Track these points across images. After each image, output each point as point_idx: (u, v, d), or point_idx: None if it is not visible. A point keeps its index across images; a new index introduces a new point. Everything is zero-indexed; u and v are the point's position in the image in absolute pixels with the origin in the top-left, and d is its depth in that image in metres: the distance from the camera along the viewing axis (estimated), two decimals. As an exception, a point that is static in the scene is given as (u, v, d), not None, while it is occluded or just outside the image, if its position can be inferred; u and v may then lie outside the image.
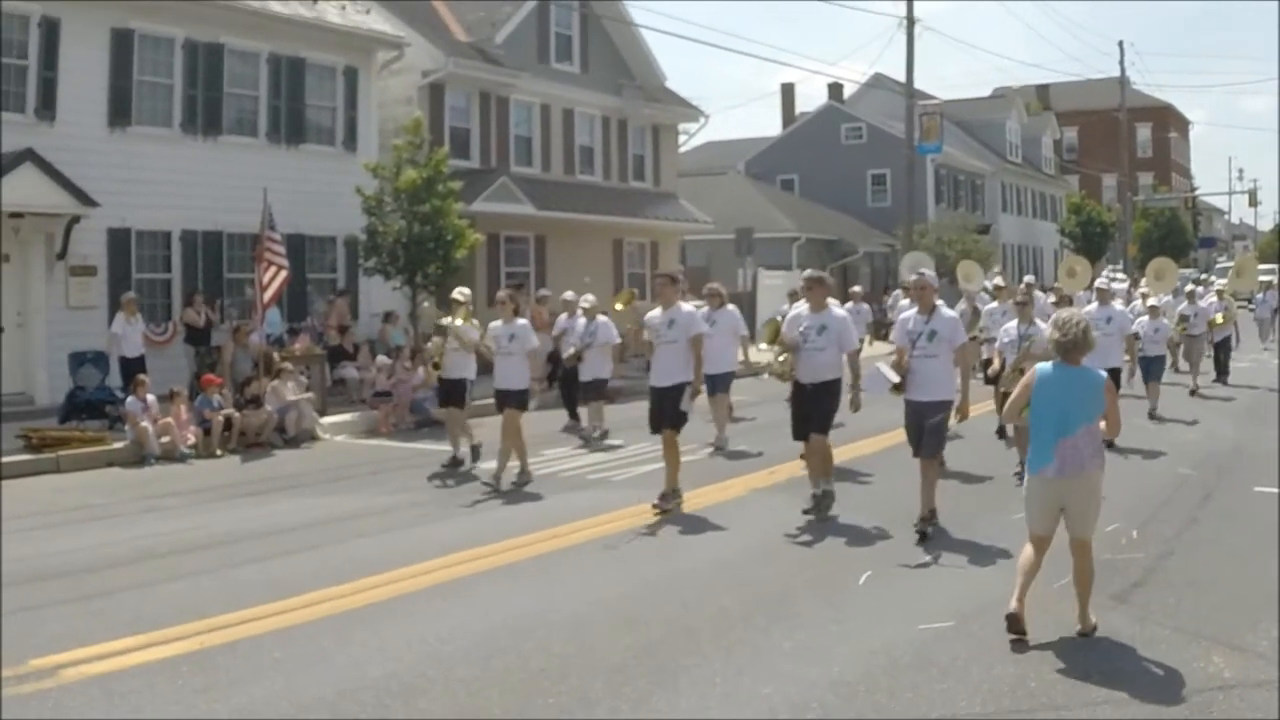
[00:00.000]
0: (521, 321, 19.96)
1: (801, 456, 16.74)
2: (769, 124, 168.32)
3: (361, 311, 34.00)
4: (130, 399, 22.54)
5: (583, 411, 25.06)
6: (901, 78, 58.05)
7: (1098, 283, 24.32)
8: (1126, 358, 24.78)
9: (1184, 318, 31.72)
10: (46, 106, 27.82)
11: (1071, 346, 10.64)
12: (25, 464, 20.66)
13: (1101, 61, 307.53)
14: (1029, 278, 35.01)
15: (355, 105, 35.32)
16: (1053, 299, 29.41)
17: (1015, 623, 10.48)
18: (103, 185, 27.67)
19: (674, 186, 51.20)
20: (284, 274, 26.13)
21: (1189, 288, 35.72)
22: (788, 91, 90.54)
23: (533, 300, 33.03)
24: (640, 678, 9.68)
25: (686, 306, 17.39)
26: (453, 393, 21.20)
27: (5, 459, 20.65)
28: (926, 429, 14.97)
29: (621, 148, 47.92)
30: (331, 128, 34.83)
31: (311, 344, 28.89)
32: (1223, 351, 34.72)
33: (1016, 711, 8.96)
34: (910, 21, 54.61)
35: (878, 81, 77.80)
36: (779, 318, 18.36)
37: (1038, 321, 18.79)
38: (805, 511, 15.80)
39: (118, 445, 22.02)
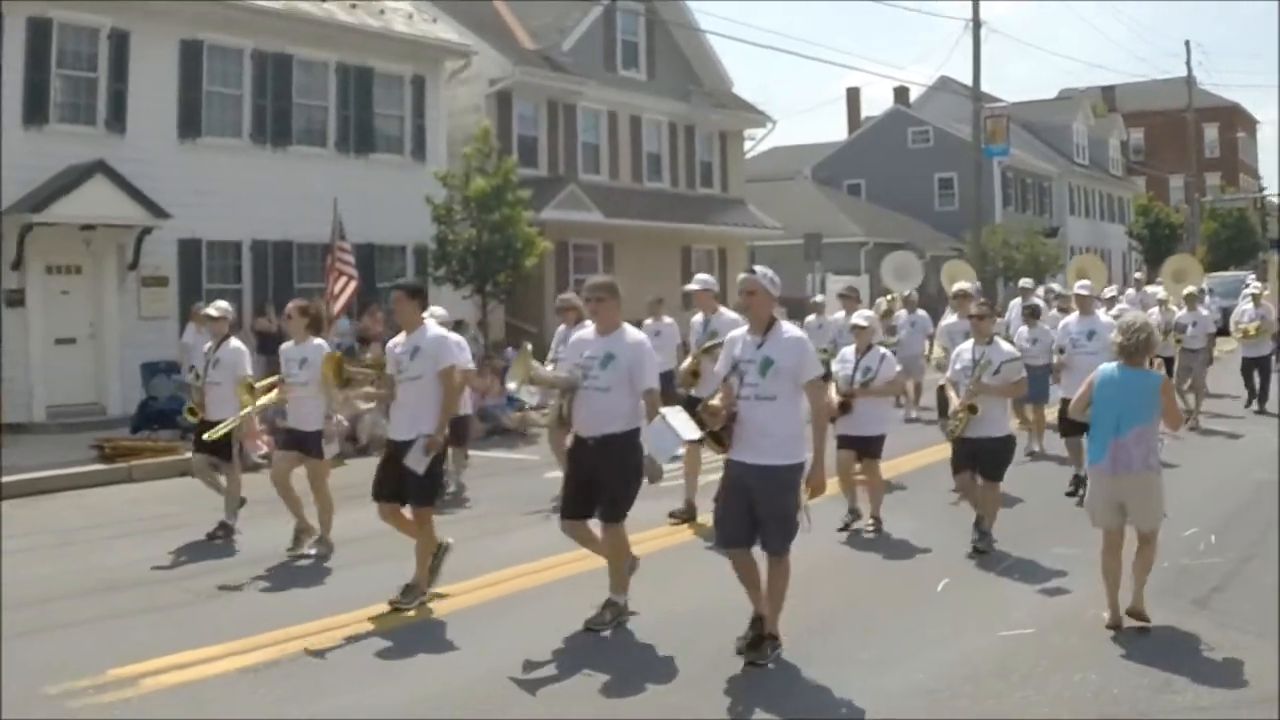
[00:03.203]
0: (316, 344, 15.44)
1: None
2: (835, 129, 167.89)
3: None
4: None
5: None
6: (967, 81, 57.88)
7: (1076, 288, 19.56)
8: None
9: (1178, 327, 26.77)
10: (117, 118, 28.05)
11: (1134, 350, 11.09)
12: (99, 474, 20.78)
13: (1167, 62, 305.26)
14: (1025, 282, 30.30)
15: (423, 114, 35.43)
16: (1055, 309, 26.39)
17: (1119, 629, 10.93)
18: (173, 196, 27.81)
19: (741, 192, 51.11)
20: (354, 284, 26.23)
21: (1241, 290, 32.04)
22: (853, 96, 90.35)
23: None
24: (716, 690, 9.65)
25: (434, 330, 12.84)
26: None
27: (79, 469, 20.81)
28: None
29: (689, 154, 47.89)
30: (400, 137, 34.95)
31: (381, 351, 28.93)
32: (1259, 371, 28.36)
33: (1099, 719, 8.89)
34: (976, 24, 54.36)
35: (944, 85, 77.54)
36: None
37: (999, 342, 15.02)
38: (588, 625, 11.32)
39: (190, 455, 22.13)
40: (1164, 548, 12.30)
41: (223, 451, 16.22)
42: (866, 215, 67.28)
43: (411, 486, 12.27)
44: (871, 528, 15.67)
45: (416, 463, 12.11)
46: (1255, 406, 28.03)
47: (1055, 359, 18.72)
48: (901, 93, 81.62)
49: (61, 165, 26.31)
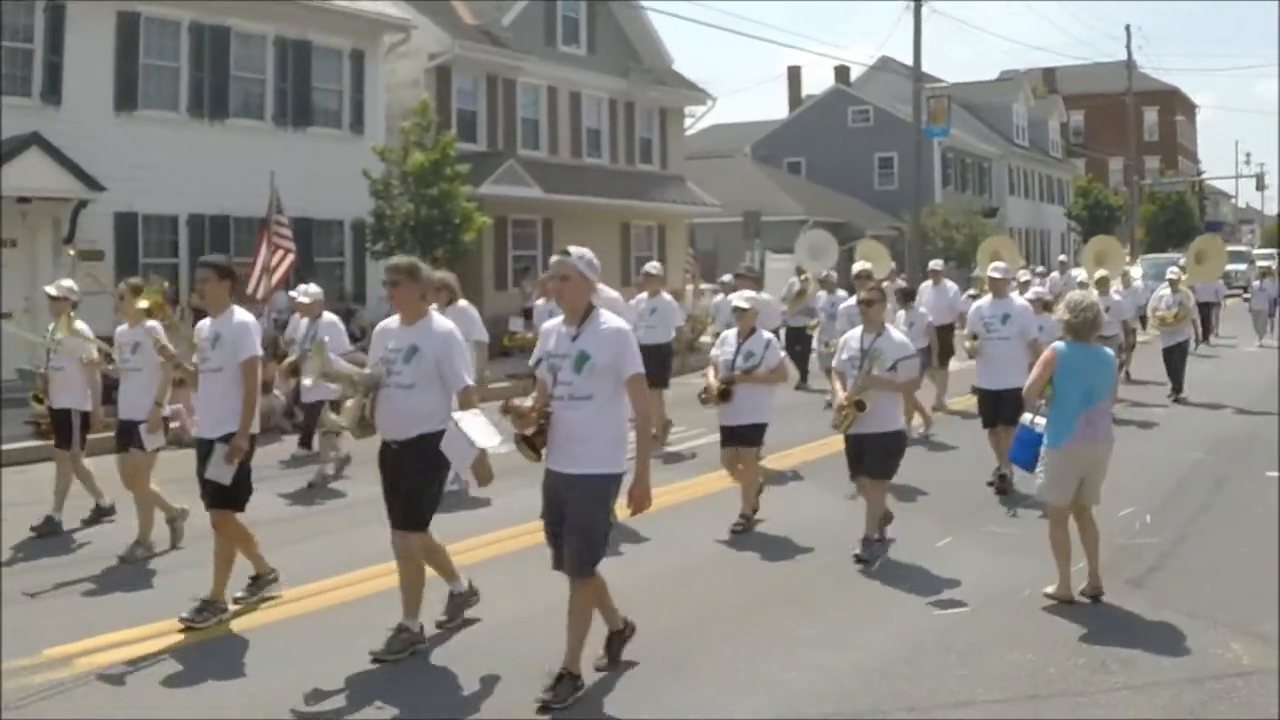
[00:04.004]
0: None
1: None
2: (776, 107, 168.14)
3: (369, 296, 33.92)
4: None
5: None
6: (909, 61, 57.87)
7: (990, 271, 17.97)
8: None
9: None
10: (52, 90, 27.76)
11: (1083, 327, 11.32)
12: (32, 450, 20.59)
13: (1108, 45, 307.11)
14: (935, 263, 27.59)
15: (362, 88, 35.25)
16: (971, 292, 26.72)
17: (1070, 603, 11.17)
18: (109, 169, 27.62)
19: (681, 169, 51.10)
20: (291, 257, 26.08)
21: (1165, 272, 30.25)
22: (794, 74, 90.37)
23: (539, 284, 32.94)
24: (659, 667, 9.68)
25: (239, 316, 11.53)
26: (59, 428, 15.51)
27: (15, 445, 20.61)
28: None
29: (629, 131, 47.82)
30: (338, 111, 34.78)
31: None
32: (1177, 358, 27.06)
33: (1035, 697, 8.95)
34: (918, 4, 54.44)
35: (885, 64, 77.70)
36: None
37: (890, 332, 13.64)
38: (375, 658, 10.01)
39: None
40: (1100, 527, 12.36)
41: (63, 438, 15.32)
42: (806, 194, 67.39)
43: (210, 487, 11.07)
44: (741, 526, 14.50)
45: (219, 473, 10.94)
46: (1170, 397, 26.39)
47: (967, 345, 17.68)
48: (842, 72, 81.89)
49: (-3, 137, 26.00)
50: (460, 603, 10.87)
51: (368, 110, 35.35)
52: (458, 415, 9.68)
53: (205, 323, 11.45)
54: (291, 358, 17.75)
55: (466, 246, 32.05)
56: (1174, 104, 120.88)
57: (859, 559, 12.82)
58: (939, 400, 23.97)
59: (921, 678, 9.33)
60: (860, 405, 12.92)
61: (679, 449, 20.32)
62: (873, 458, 13.11)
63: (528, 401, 9.43)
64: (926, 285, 26.34)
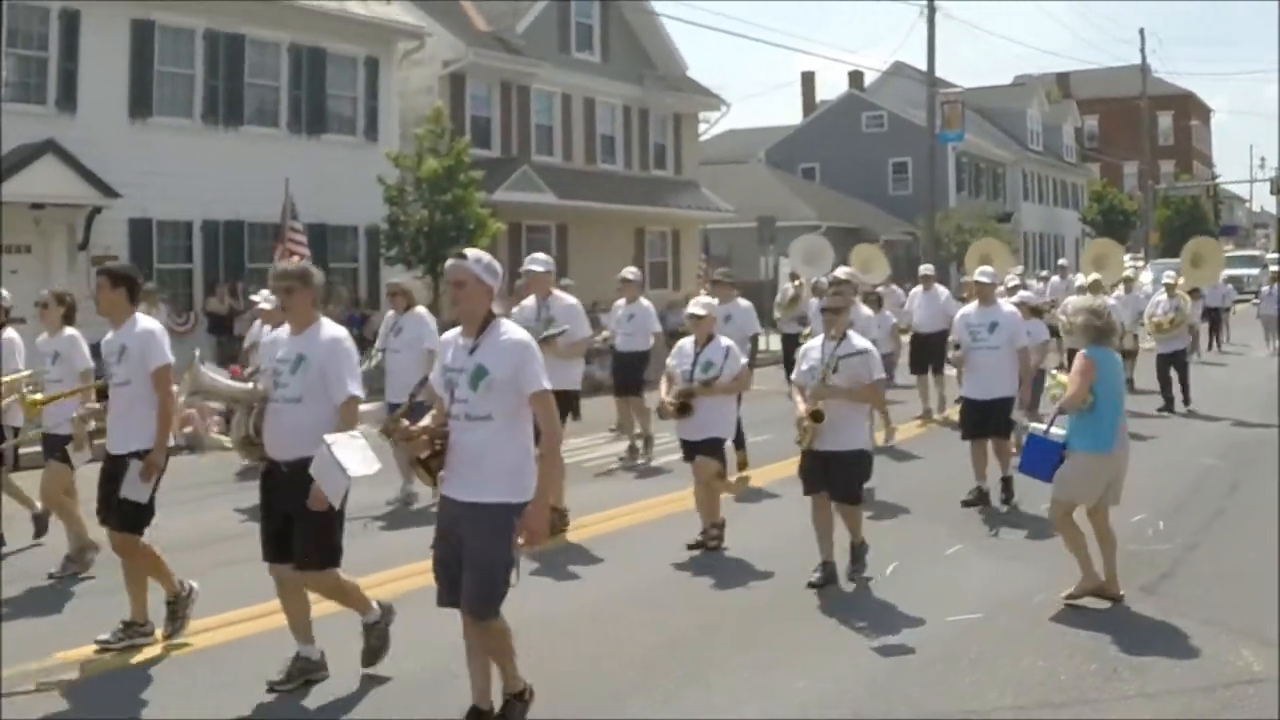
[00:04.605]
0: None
1: None
2: (790, 112, 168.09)
3: (383, 301, 33.95)
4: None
5: None
6: (922, 65, 57.83)
7: (976, 275, 16.84)
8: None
9: None
10: (67, 98, 27.88)
11: (1110, 330, 11.40)
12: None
13: (1122, 49, 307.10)
14: (843, 270, 21.78)
15: (376, 95, 35.33)
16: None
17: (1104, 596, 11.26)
18: (124, 176, 27.71)
19: (695, 175, 51.21)
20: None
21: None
22: (808, 80, 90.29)
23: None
24: (670, 673, 9.67)
25: (143, 323, 10.73)
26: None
27: (29, 450, 20.64)
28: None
29: (643, 137, 47.89)
30: (353, 118, 34.86)
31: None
32: (1175, 367, 25.49)
33: (1047, 704, 8.92)
34: (931, 9, 54.40)
35: (898, 70, 77.56)
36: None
37: (853, 338, 12.47)
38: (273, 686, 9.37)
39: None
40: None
41: None
42: (820, 199, 67.29)
43: (120, 507, 10.22)
44: (703, 540, 13.81)
45: (135, 491, 10.16)
46: (1181, 409, 24.97)
47: (951, 354, 17.04)
48: (856, 77, 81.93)
49: (11, 144, 26.09)
50: (379, 631, 9.73)
51: (382, 117, 35.41)
52: (331, 438, 8.79)
53: (109, 335, 10.62)
54: (251, 367, 17.22)
55: (480, 253, 32.06)
56: (1188, 108, 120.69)
57: (854, 575, 12.34)
58: (938, 408, 23.78)
59: (933, 685, 9.32)
60: (817, 416, 11.97)
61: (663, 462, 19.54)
62: (837, 480, 12.21)
63: (427, 419, 8.47)
64: (917, 291, 25.71)
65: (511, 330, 8.27)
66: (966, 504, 15.77)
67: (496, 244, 34.39)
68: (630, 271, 20.92)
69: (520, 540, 8.06)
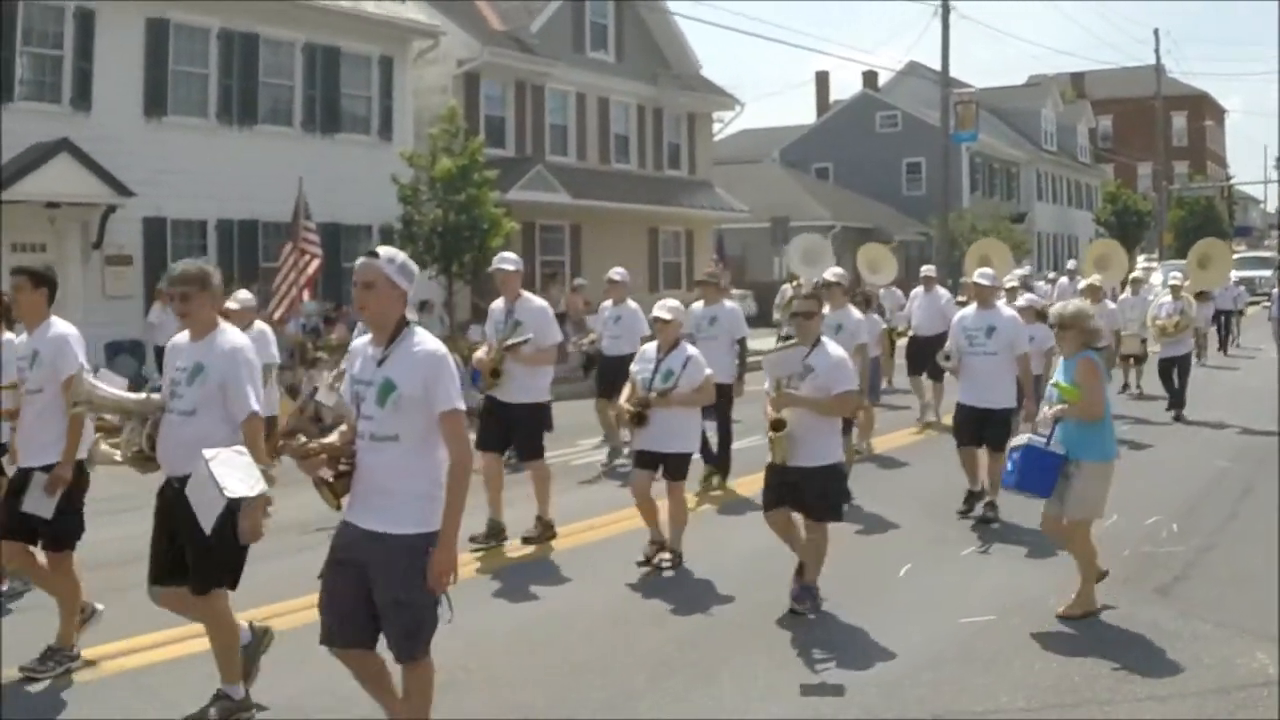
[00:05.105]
0: None
1: None
2: (804, 112, 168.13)
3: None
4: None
5: None
6: (936, 65, 57.79)
7: (975, 277, 16.01)
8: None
9: None
10: (82, 97, 27.94)
11: (1098, 332, 11.39)
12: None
13: (1137, 49, 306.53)
14: (832, 272, 19.17)
15: (390, 94, 35.39)
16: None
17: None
18: (138, 175, 27.75)
19: (709, 175, 51.20)
20: (318, 262, 26.13)
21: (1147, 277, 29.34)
22: (822, 79, 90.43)
23: (568, 290, 32.94)
24: (681, 672, 9.69)
25: (58, 327, 10.15)
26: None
27: None
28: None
29: (656, 136, 47.91)
30: (367, 117, 34.92)
31: (347, 332, 28.89)
32: (1179, 371, 24.68)
33: (1060, 706, 8.92)
34: (945, 9, 54.32)
35: (913, 69, 77.57)
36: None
37: (826, 346, 11.55)
38: None
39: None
40: (1126, 535, 12.39)
41: None
42: (834, 199, 67.34)
43: (39, 524, 9.66)
44: (670, 562, 13.01)
45: (38, 505, 9.55)
46: (1168, 415, 24.35)
47: (942, 363, 16.30)
48: (870, 77, 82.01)
49: (26, 143, 26.18)
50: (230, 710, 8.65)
51: (396, 116, 35.48)
52: (210, 453, 8.00)
53: (21, 338, 10.10)
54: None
55: (494, 252, 32.07)
56: (1203, 108, 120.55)
57: (796, 610, 11.13)
58: (933, 413, 22.99)
59: (945, 686, 9.32)
60: (777, 425, 11.10)
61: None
62: (809, 498, 11.26)
63: (333, 439, 7.71)
64: (918, 292, 24.83)
65: (425, 340, 7.43)
66: (963, 514, 15.31)
67: (510, 244, 34.44)
68: (616, 272, 20.08)
69: (428, 582, 7.16)
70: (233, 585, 8.64)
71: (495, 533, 13.95)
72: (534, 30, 41.26)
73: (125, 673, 9.81)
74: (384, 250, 7.52)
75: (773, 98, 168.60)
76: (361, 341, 7.63)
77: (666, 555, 13.01)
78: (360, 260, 7.44)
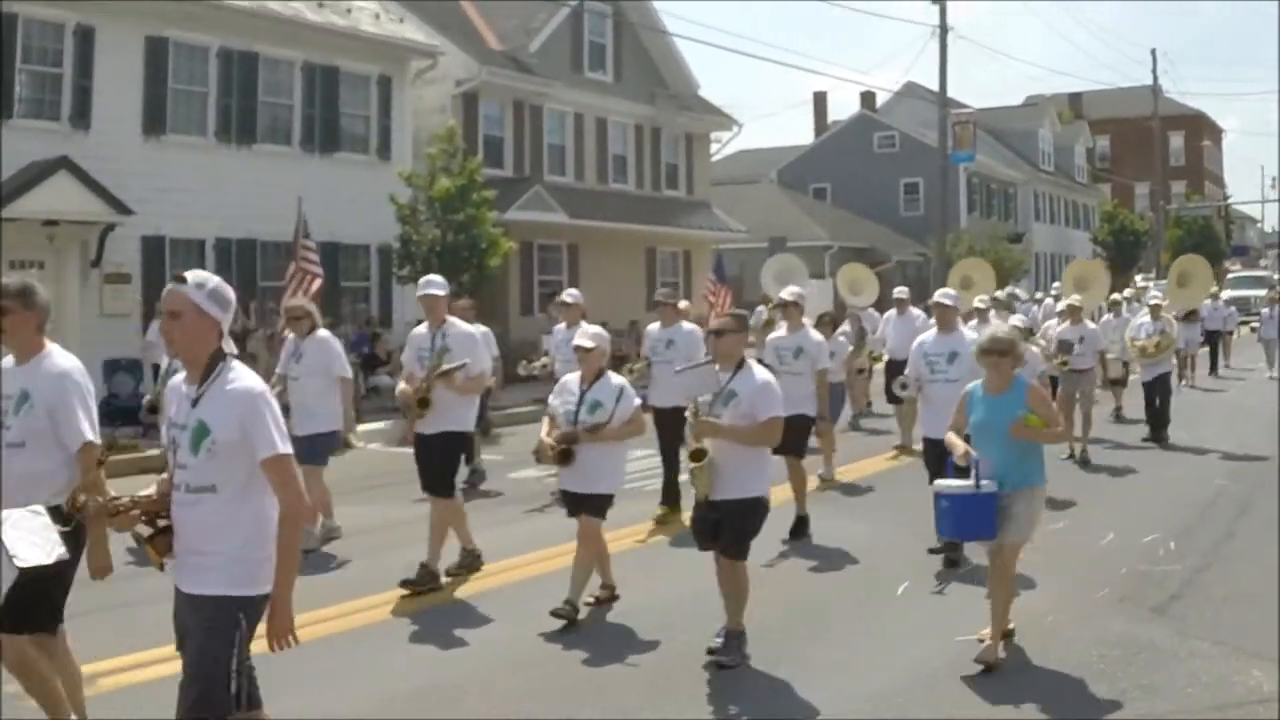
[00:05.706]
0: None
1: None
2: (802, 132, 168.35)
3: (395, 320, 34.02)
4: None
5: None
6: (934, 86, 57.90)
7: (936, 296, 14.99)
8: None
9: (1062, 345, 21.37)
10: (81, 115, 27.92)
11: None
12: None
13: (1134, 69, 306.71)
14: (789, 291, 17.23)
15: (389, 114, 35.41)
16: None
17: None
18: (137, 193, 27.69)
19: (707, 195, 51.16)
20: (319, 282, 26.15)
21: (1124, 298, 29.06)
22: (820, 100, 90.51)
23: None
24: (680, 690, 9.70)
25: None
26: None
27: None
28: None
29: (654, 156, 47.93)
30: (365, 136, 34.92)
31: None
32: (1159, 395, 23.76)
33: (1056, 725, 8.94)
34: (943, 29, 54.38)
35: (910, 90, 77.68)
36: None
37: (752, 368, 10.65)
38: None
39: (151, 453, 22.01)
40: (1124, 554, 12.39)
41: None
42: (831, 219, 67.43)
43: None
44: (598, 596, 12.15)
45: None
46: (1144, 437, 23.60)
47: (898, 391, 15.70)
48: (868, 97, 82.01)
49: (25, 161, 26.14)
50: None
51: (395, 136, 35.47)
52: (5, 514, 7.19)
53: (8, 362, 8.18)
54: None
55: (492, 272, 32.14)
56: (1200, 128, 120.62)
57: (720, 664, 10.21)
58: (906, 439, 22.16)
59: (939, 703, 9.34)
60: (697, 455, 10.28)
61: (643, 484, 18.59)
62: (725, 531, 10.40)
63: (149, 491, 6.82)
64: (891, 314, 23.96)
65: (241, 376, 6.61)
66: (935, 551, 13.83)
67: (508, 264, 34.50)
68: (570, 294, 18.59)
69: (268, 644, 6.58)
70: (47, 629, 7.83)
71: (468, 564, 13.50)
72: (532, 50, 41.30)
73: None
74: (192, 275, 6.71)
75: (770, 118, 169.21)
76: (179, 379, 6.79)
77: (600, 591, 12.20)
78: (167, 287, 6.67)
